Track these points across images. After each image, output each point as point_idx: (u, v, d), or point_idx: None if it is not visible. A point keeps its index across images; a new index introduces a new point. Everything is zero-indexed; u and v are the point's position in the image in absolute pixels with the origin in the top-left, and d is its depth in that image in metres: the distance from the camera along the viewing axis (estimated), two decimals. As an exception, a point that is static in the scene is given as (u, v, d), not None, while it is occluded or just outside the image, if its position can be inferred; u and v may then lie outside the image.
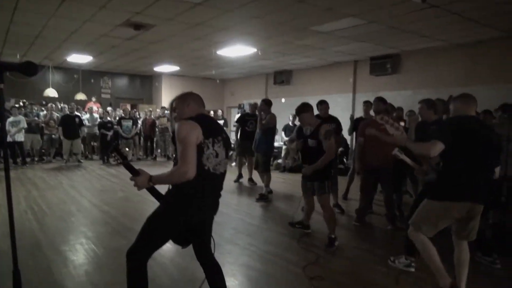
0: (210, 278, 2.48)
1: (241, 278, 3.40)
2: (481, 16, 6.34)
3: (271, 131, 6.80)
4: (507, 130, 4.10)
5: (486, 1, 5.57)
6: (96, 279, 3.26)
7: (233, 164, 10.43)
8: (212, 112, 12.28)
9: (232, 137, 12.16)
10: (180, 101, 2.38)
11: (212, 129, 2.30)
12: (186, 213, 2.26)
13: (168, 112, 11.56)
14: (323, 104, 5.80)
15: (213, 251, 2.49)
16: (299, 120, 4.37)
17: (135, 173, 2.25)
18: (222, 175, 2.36)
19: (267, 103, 6.77)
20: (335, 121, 5.70)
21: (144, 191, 2.29)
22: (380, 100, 5.16)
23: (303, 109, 4.20)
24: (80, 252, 3.87)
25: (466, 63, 8.34)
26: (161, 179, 2.21)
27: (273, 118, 6.71)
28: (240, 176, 8.22)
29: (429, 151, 2.61)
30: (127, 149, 11.43)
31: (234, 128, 10.66)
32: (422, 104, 4.48)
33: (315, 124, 4.14)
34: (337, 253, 4.06)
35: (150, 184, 2.22)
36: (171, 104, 2.44)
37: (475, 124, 2.78)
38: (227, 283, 3.20)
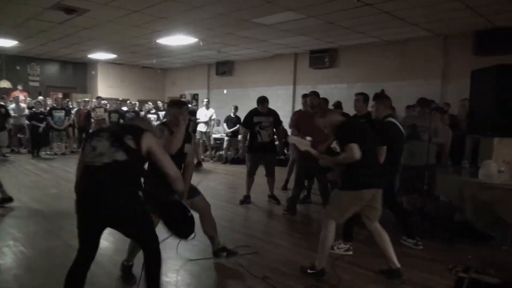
0: (147, 265, 2.44)
1: (183, 273, 3.40)
2: (409, 16, 6.81)
3: None
4: (428, 123, 4.49)
5: (415, 2, 6.00)
6: (26, 282, 3.08)
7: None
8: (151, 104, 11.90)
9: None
10: None
11: (95, 131, 2.60)
12: (78, 211, 2.33)
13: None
14: (264, 103, 5.82)
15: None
16: None
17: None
18: (100, 167, 2.28)
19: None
20: (273, 114, 5.84)
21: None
22: (315, 93, 5.40)
23: None
24: (7, 256, 3.60)
25: (395, 60, 8.93)
26: None
27: None
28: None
29: (353, 157, 2.99)
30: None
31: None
32: (358, 96, 4.76)
33: None
34: (276, 242, 4.21)
35: None
36: None
37: (367, 122, 3.35)
38: (169, 279, 3.22)
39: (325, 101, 6.03)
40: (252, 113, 5.83)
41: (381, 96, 4.18)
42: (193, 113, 9.69)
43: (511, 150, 4.17)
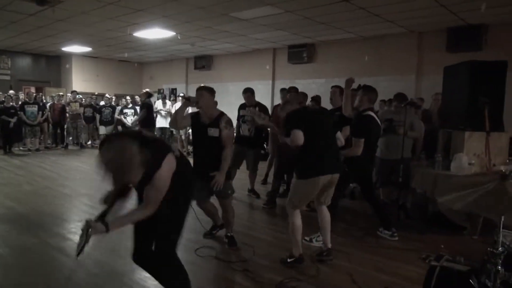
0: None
1: (163, 267, 3.39)
2: (385, 12, 6.94)
3: None
4: (403, 118, 4.61)
5: (389, -1, 6.12)
6: (0, 281, 3.01)
7: None
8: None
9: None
10: None
11: None
12: None
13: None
14: (247, 93, 5.81)
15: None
16: None
17: None
18: None
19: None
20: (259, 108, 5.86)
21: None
22: (294, 89, 5.53)
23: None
24: (-20, 254, 3.51)
25: (372, 55, 9.08)
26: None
27: None
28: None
29: (296, 142, 3.13)
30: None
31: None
32: (335, 89, 4.85)
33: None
34: (256, 236, 4.25)
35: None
36: None
37: (318, 112, 3.62)
38: (149, 281, 3.20)
39: (304, 95, 6.08)
40: (241, 106, 5.90)
41: (368, 88, 4.24)
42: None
43: (481, 144, 4.33)
